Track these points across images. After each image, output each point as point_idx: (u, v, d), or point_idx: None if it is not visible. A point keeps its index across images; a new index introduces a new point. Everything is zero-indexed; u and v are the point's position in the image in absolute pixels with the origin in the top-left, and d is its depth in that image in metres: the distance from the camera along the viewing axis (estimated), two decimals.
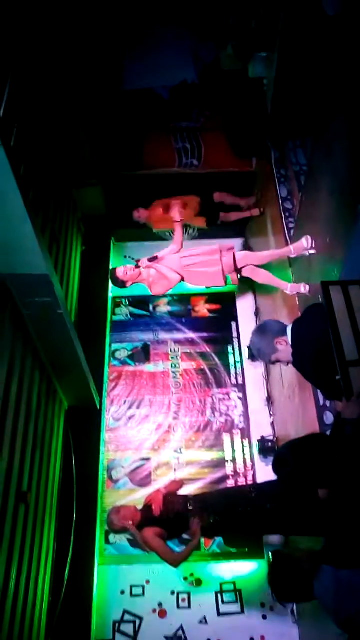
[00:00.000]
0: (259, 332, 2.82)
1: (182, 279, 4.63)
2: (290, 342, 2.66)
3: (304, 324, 2.68)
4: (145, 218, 5.61)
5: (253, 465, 5.16)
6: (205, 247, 4.63)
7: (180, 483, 4.01)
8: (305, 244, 3.97)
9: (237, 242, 6.51)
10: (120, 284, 4.65)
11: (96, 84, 5.34)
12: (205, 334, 5.97)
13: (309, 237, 3.93)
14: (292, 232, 4.42)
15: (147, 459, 5.22)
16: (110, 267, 6.33)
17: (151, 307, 6.21)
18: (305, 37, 4.06)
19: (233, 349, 5.86)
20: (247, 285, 6.23)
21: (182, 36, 5.83)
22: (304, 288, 4.15)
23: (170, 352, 5.86)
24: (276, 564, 2.35)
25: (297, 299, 4.21)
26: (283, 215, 4.60)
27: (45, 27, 4.41)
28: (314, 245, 3.90)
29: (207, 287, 5.39)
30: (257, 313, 6.00)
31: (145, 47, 5.76)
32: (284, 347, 2.68)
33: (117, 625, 4.49)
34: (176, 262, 4.54)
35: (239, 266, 4.50)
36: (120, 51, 5.72)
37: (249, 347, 5.75)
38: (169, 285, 4.58)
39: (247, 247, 6.46)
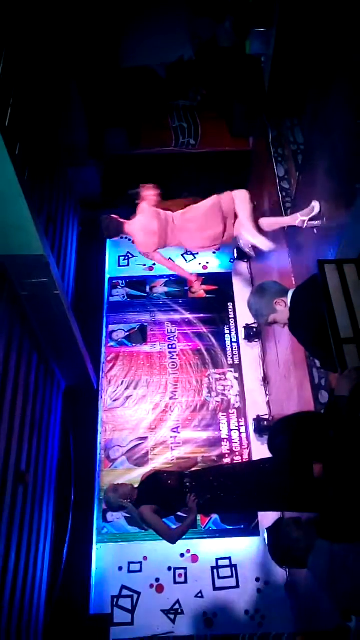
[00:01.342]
0: (258, 292, 2.79)
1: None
2: (289, 305, 2.65)
3: (307, 290, 2.66)
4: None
5: (249, 444, 5.22)
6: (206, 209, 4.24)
7: (195, 461, 4.04)
8: (315, 209, 3.48)
9: None
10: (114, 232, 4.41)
11: (93, 61, 5.26)
12: (201, 315, 5.98)
13: (317, 202, 3.49)
14: (289, 211, 4.40)
15: (144, 439, 5.27)
16: (107, 250, 6.33)
17: (148, 288, 6.21)
18: (303, 13, 4.00)
19: (229, 330, 5.88)
20: (244, 266, 6.24)
21: (179, 12, 5.73)
22: (316, 207, 3.51)
23: (167, 333, 5.87)
24: (270, 534, 2.39)
25: (293, 279, 4.20)
26: (280, 195, 4.58)
27: (41, 3, 4.33)
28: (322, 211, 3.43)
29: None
30: None
31: (142, 23, 5.66)
32: (283, 308, 2.67)
33: (115, 600, 4.58)
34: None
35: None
36: (118, 28, 5.62)
37: (244, 327, 5.79)
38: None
39: None
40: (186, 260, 6.36)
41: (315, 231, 3.52)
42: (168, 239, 4.38)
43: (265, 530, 2.43)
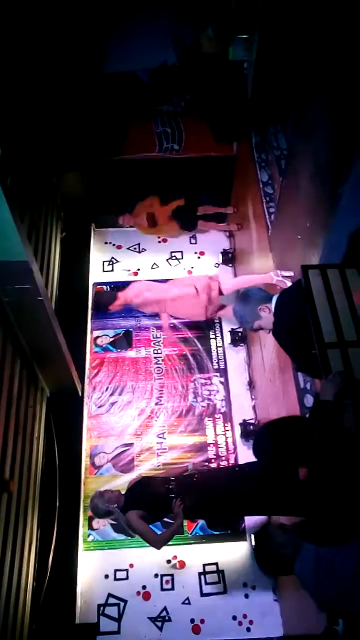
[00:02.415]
0: (243, 299, 2.83)
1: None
2: (273, 311, 2.67)
3: (290, 296, 2.69)
4: (130, 223, 5.91)
5: (235, 449, 5.22)
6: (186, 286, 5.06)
7: (184, 468, 4.03)
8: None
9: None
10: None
11: (76, 66, 5.25)
12: (187, 320, 5.96)
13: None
14: (272, 216, 4.42)
15: (130, 445, 5.24)
16: (91, 256, 6.30)
17: None
18: (286, 20, 4.02)
19: (215, 334, 5.88)
20: (228, 270, 6.26)
21: (162, 18, 5.74)
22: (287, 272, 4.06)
23: (152, 338, 5.86)
24: (260, 544, 2.38)
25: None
26: (263, 200, 4.60)
27: (23, 9, 4.31)
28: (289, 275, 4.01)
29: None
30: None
31: (125, 28, 5.66)
32: (267, 314, 2.70)
33: (101, 608, 4.53)
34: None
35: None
36: (101, 33, 5.62)
37: (230, 332, 5.80)
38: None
39: (228, 233, 6.48)
40: (171, 265, 6.37)
41: (298, 237, 3.54)
42: (154, 302, 5.06)
43: (253, 536, 2.43)
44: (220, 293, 4.97)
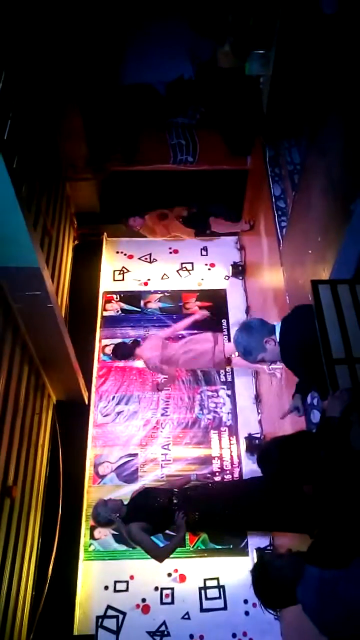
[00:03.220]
0: (246, 331, 2.77)
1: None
2: (277, 341, 2.65)
3: (291, 324, 2.68)
4: (140, 227, 5.86)
5: (240, 463, 5.18)
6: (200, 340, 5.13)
7: (187, 478, 4.01)
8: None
9: (229, 240, 6.54)
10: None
11: (94, 77, 5.32)
12: (195, 331, 5.94)
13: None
14: (284, 230, 4.42)
15: (134, 455, 5.22)
16: (102, 264, 6.32)
17: (142, 303, 6.20)
18: (303, 36, 4.05)
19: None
20: (238, 283, 6.26)
21: (181, 32, 5.81)
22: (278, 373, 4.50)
23: None
24: (258, 573, 2.32)
25: (287, 298, 4.21)
26: (275, 214, 4.60)
27: (43, 18, 4.38)
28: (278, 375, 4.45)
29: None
30: (247, 311, 6.01)
31: (143, 41, 5.73)
32: (272, 346, 2.67)
33: (100, 620, 4.49)
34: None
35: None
36: (119, 45, 5.70)
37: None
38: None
39: (239, 246, 6.48)
40: (181, 276, 6.38)
41: (309, 251, 3.53)
42: (168, 359, 5.00)
43: (251, 571, 2.35)
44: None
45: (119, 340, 5.74)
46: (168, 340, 5.15)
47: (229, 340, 5.50)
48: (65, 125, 5.25)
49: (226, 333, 5.94)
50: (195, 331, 5.91)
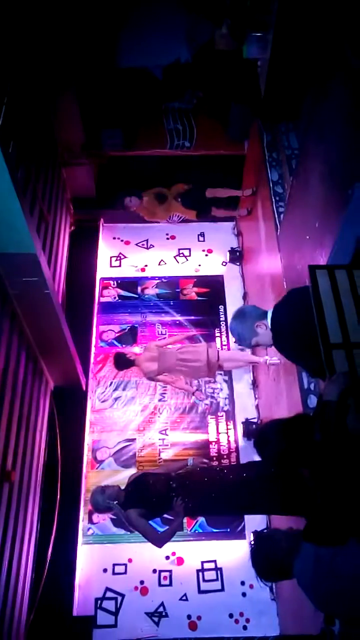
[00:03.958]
0: (238, 317, 2.82)
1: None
2: (269, 326, 2.67)
3: (284, 308, 2.69)
4: (136, 208, 5.71)
5: (237, 447, 5.22)
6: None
7: (184, 462, 4.03)
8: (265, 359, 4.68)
9: (227, 226, 6.52)
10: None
11: (90, 60, 5.26)
12: (192, 317, 5.97)
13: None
14: (281, 216, 4.41)
15: (132, 440, 5.25)
16: (99, 250, 6.30)
17: (139, 290, 6.20)
18: (301, 17, 4.01)
19: (220, 332, 5.88)
20: (236, 269, 6.25)
21: (178, 14, 5.74)
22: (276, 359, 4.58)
23: (157, 335, 5.86)
24: (257, 545, 2.38)
25: (284, 283, 4.21)
26: (273, 199, 4.58)
27: (38, 2, 4.32)
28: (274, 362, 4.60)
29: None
30: (245, 297, 6.01)
31: (140, 24, 5.67)
32: (264, 330, 2.69)
33: (99, 602, 4.55)
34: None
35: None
36: (116, 28, 5.63)
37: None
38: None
39: (237, 231, 6.46)
40: (178, 262, 6.37)
41: (307, 237, 3.53)
42: (165, 370, 4.92)
43: (250, 542, 2.42)
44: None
45: (119, 339, 5.80)
46: (164, 347, 5.10)
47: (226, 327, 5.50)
48: (61, 110, 5.20)
49: (223, 319, 5.95)
50: (192, 317, 5.95)
